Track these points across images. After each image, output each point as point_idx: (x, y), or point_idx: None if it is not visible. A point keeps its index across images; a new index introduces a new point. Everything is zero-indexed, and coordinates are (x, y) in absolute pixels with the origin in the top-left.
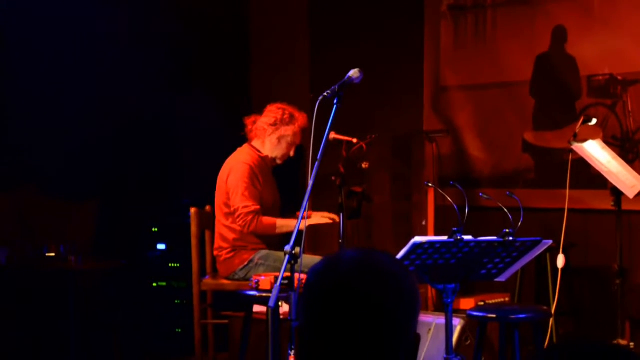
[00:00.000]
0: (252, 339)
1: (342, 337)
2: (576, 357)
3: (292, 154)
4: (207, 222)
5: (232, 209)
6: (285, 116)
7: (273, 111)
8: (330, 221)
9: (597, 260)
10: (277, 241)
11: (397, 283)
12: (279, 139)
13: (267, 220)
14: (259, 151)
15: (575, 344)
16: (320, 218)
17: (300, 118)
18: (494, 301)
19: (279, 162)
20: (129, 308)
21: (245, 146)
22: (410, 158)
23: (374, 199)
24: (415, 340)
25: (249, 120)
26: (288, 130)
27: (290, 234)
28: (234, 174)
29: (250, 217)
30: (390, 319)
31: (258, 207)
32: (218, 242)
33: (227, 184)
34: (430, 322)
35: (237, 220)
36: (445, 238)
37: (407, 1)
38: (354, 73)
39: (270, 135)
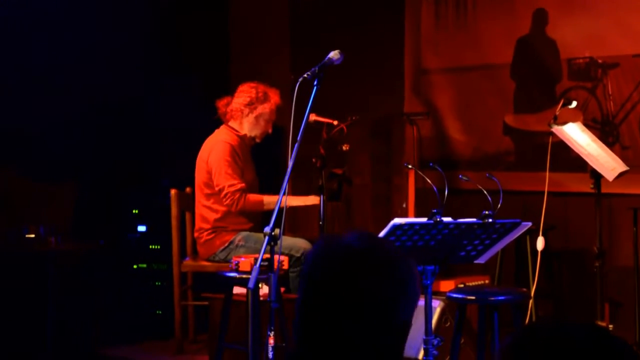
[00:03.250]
0: (232, 321)
1: (331, 315)
2: (556, 338)
3: (270, 130)
4: (188, 203)
5: (217, 188)
6: (260, 94)
7: (246, 91)
8: (314, 203)
9: (577, 243)
10: (257, 222)
11: (391, 269)
12: (257, 117)
13: (254, 197)
14: (236, 131)
15: (554, 325)
16: (304, 200)
17: (274, 94)
18: (473, 283)
19: (258, 140)
20: (109, 290)
21: (223, 127)
22: (391, 140)
23: (354, 181)
24: (404, 327)
25: (221, 103)
26: (265, 108)
27: (270, 215)
28: (215, 152)
29: (237, 195)
30: (376, 302)
31: (243, 184)
32: (198, 223)
33: (208, 164)
34: None
35: (224, 199)
36: (424, 220)
37: None
38: (334, 54)
39: (247, 115)
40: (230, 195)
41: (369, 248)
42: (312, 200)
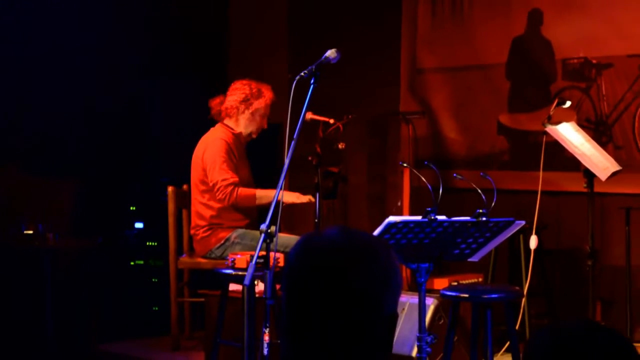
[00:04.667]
0: (227, 317)
1: (318, 312)
2: (567, 337)
3: (265, 126)
4: (185, 200)
5: (211, 183)
6: (254, 90)
7: (240, 88)
8: (307, 201)
9: (569, 242)
10: (253, 219)
11: (373, 260)
12: (253, 113)
13: (246, 191)
14: (232, 129)
15: (568, 326)
16: (297, 197)
17: (267, 90)
18: (467, 281)
19: (254, 136)
20: (106, 286)
21: (219, 125)
22: (387, 139)
23: (350, 180)
24: (391, 319)
25: (214, 102)
26: (260, 104)
27: (266, 212)
28: (210, 149)
29: (229, 189)
30: (362, 295)
31: (237, 179)
32: (194, 220)
33: (203, 161)
34: (404, 302)
35: (217, 193)
36: (419, 218)
37: None
38: (331, 53)
39: (243, 112)
40: (223, 189)
41: (350, 241)
42: (305, 198)
